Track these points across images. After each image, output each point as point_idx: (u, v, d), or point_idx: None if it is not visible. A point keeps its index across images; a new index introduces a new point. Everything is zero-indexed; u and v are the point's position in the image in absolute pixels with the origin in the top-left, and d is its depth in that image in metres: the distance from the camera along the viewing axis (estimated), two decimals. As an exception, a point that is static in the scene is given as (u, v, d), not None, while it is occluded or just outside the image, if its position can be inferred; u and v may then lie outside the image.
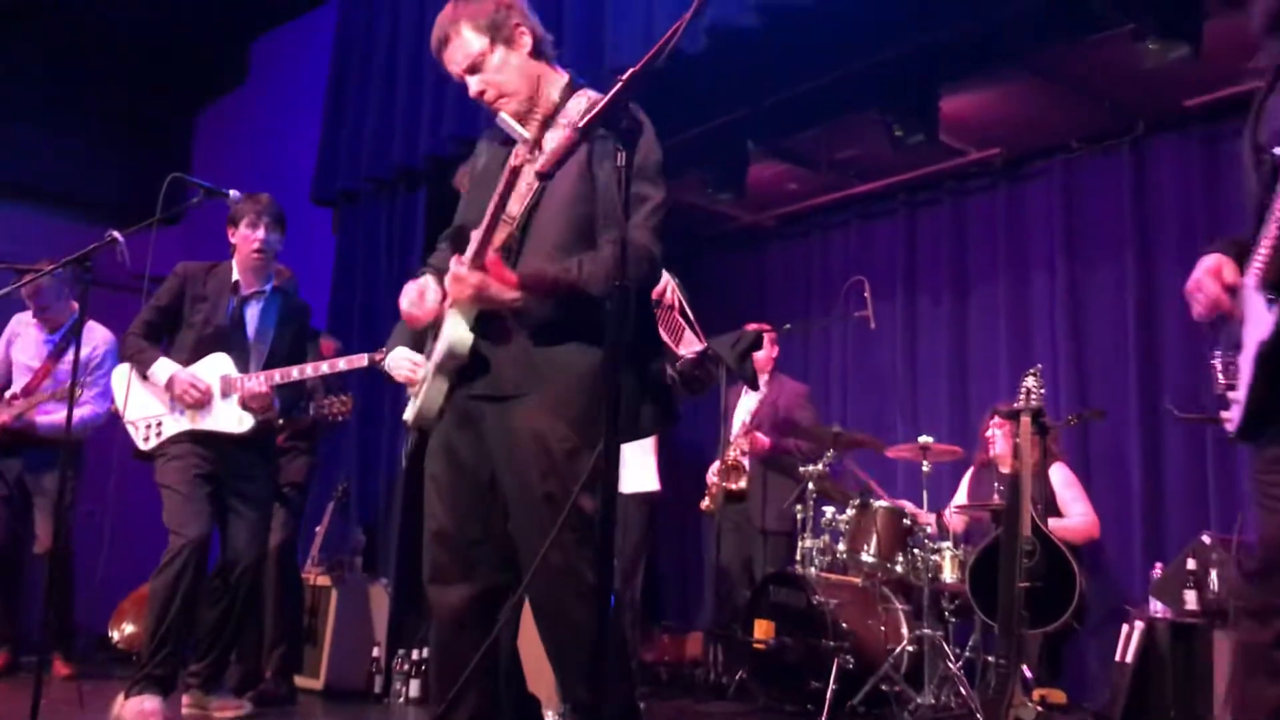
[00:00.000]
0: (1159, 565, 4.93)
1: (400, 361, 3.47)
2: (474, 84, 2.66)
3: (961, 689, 4.75)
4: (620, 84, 2.01)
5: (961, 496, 5.66)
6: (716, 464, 5.99)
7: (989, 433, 5.52)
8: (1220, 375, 2.22)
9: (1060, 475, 5.27)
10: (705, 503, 6.04)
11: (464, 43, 2.64)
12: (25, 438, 5.43)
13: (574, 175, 2.55)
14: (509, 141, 2.70)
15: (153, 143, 9.18)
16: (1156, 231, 5.84)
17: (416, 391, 2.72)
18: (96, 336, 5.58)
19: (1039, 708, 3.76)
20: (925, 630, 4.92)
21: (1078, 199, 6.15)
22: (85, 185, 8.84)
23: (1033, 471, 4.00)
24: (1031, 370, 4.19)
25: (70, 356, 4.95)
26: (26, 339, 5.68)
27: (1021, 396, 4.12)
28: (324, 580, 5.52)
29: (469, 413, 2.64)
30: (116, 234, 3.86)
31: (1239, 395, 2.13)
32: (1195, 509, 5.48)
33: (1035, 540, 3.97)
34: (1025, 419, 4.04)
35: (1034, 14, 4.69)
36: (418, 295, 2.66)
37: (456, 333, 2.55)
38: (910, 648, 4.95)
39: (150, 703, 3.93)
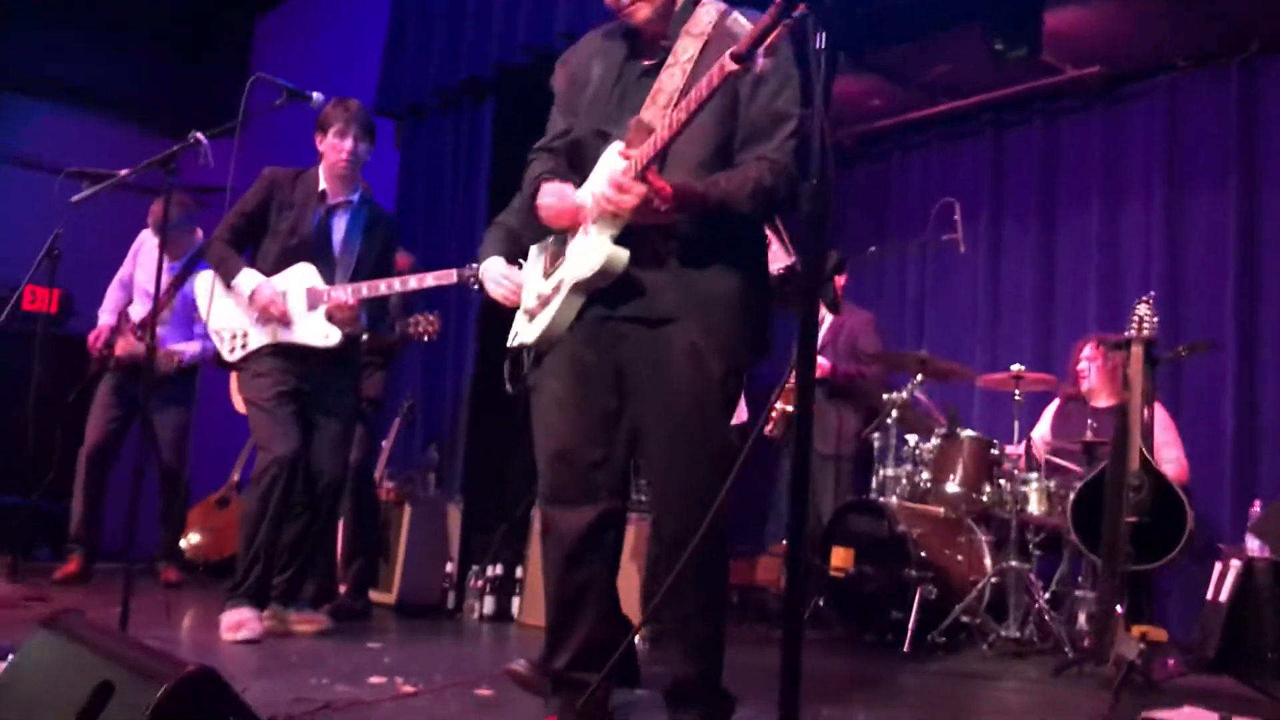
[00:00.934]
0: (1257, 503, 4.78)
1: (497, 277, 3.38)
2: None
3: (1050, 623, 4.66)
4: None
5: (1044, 429, 5.51)
6: (780, 389, 5.85)
7: (1081, 365, 5.35)
8: None
9: (1158, 417, 5.09)
10: (769, 428, 5.93)
11: None
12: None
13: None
14: (629, 48, 2.60)
15: (210, 48, 9.00)
16: (1265, 158, 5.59)
17: (535, 309, 2.62)
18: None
19: (1141, 644, 3.64)
20: (1011, 563, 4.82)
21: (1180, 122, 5.88)
22: (141, 92, 8.69)
23: (1143, 404, 3.84)
24: (1144, 298, 4.02)
25: (191, 286, 4.91)
26: (149, 261, 5.63)
27: (1134, 325, 3.95)
28: (396, 496, 5.47)
29: (607, 333, 2.54)
30: (200, 135, 3.73)
31: None
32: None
33: (1143, 475, 3.83)
34: (1137, 349, 3.87)
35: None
36: (563, 195, 2.55)
37: (608, 249, 2.43)
38: (994, 580, 4.86)
39: (247, 614, 3.91)
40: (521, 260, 3.42)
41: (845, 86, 6.22)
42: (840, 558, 5.04)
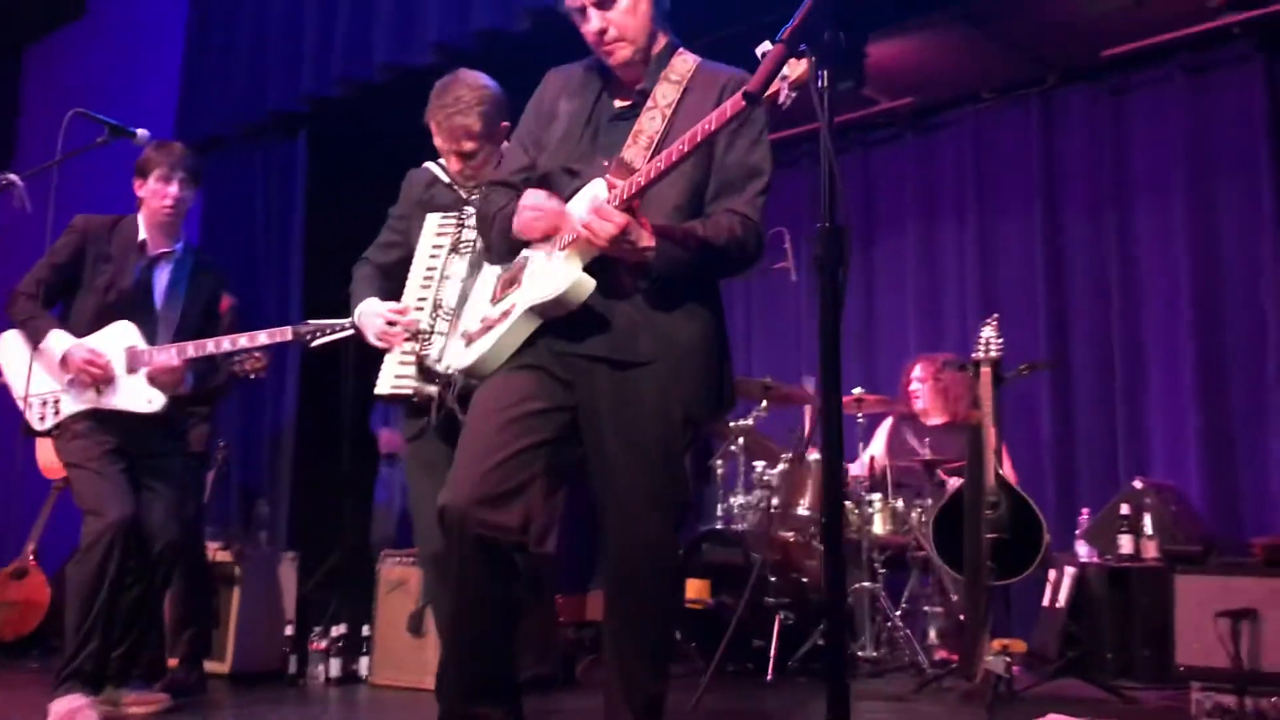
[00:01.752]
0: (1085, 511, 5.04)
1: (382, 314, 3.21)
2: (596, 19, 2.45)
3: (903, 640, 4.77)
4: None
5: (878, 448, 5.65)
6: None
7: (912, 385, 5.52)
8: None
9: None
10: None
11: None
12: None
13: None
14: (602, 88, 2.55)
15: (-31, 82, 8.31)
16: (1063, 183, 5.95)
17: (475, 334, 2.51)
18: None
19: (1006, 657, 3.76)
20: (865, 584, 4.91)
21: (987, 150, 6.19)
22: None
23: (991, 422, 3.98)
24: (989, 319, 4.17)
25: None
26: None
27: (980, 346, 4.10)
28: (224, 556, 5.12)
29: (563, 367, 2.43)
30: (13, 176, 3.40)
31: None
32: (1106, 458, 5.63)
33: (999, 491, 3.97)
34: (986, 369, 4.02)
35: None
36: (546, 200, 2.43)
37: (576, 274, 2.33)
38: (848, 601, 4.93)
39: (80, 700, 3.54)
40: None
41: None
42: (696, 589, 5.02)
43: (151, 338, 3.89)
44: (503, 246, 2.57)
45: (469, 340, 2.56)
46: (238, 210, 6.70)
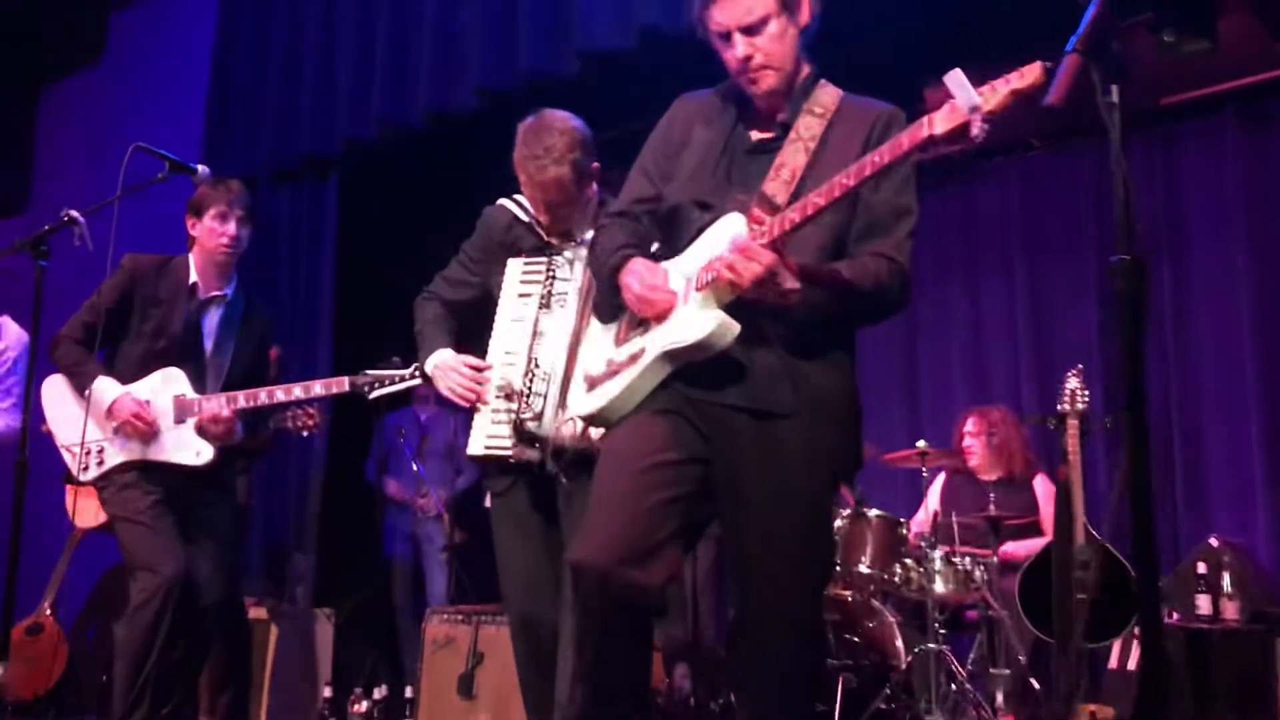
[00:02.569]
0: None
1: (456, 368, 3.04)
2: (742, 45, 2.31)
3: (980, 705, 4.57)
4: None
5: (933, 504, 5.48)
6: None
7: (966, 440, 5.36)
8: None
9: (1043, 488, 5.15)
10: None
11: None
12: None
13: (855, 161, 2.23)
14: (738, 117, 2.42)
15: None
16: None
17: (599, 378, 2.36)
18: (10, 335, 4.77)
19: (1101, 726, 3.59)
20: (930, 645, 4.72)
21: (1036, 198, 6.09)
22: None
23: (1078, 479, 3.83)
24: (1074, 370, 4.03)
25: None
26: None
27: (1066, 398, 3.95)
28: (258, 612, 4.90)
29: (700, 416, 2.28)
30: (75, 214, 3.24)
31: None
32: (1166, 516, 5.46)
33: (1089, 550, 3.81)
34: (1073, 422, 3.87)
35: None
36: (656, 281, 2.29)
37: (720, 317, 2.18)
38: (908, 661, 4.74)
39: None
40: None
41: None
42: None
43: (200, 386, 3.73)
44: (609, 302, 2.43)
45: (591, 385, 2.41)
46: (263, 255, 6.54)
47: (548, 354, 2.97)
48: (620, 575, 2.12)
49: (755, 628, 2.27)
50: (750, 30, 2.29)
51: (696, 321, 2.21)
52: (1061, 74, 1.76)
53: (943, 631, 4.90)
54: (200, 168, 3.59)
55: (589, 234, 3.03)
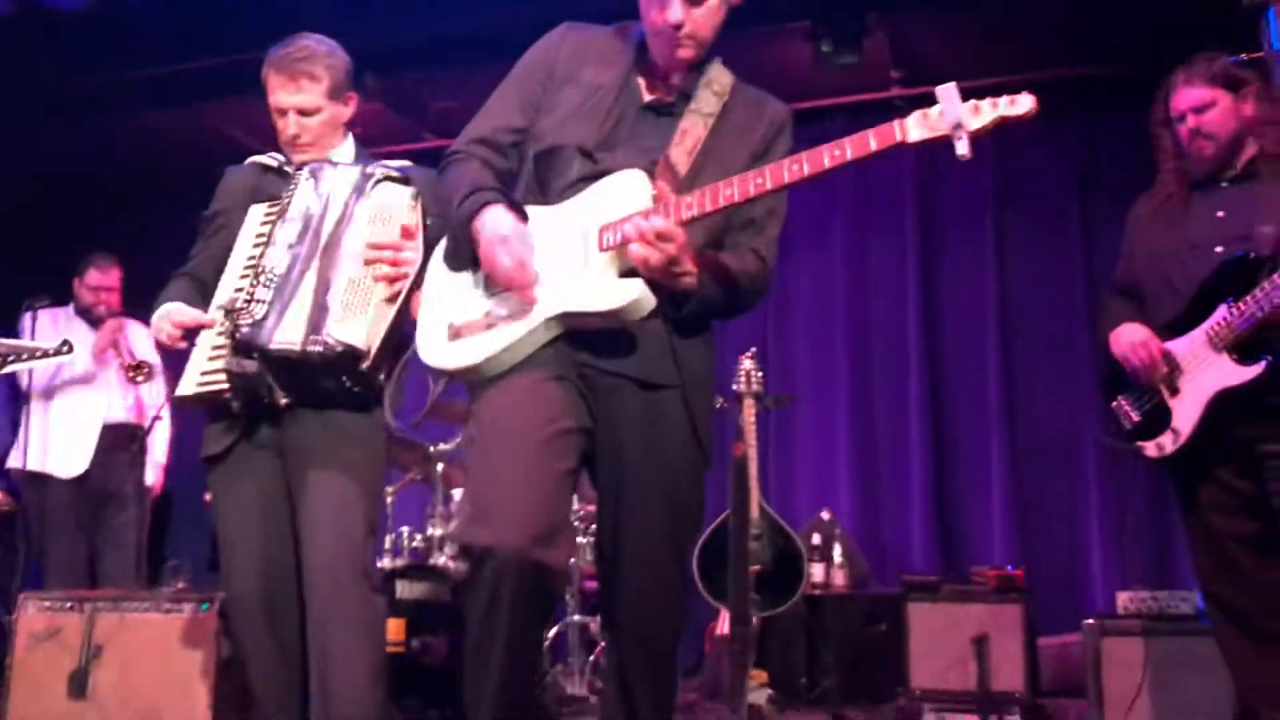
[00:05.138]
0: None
1: (164, 320, 2.67)
2: (678, 10, 2.16)
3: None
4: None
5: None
6: None
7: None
8: (1131, 417, 2.90)
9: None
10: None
11: None
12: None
13: (745, 155, 2.22)
14: (636, 72, 2.29)
15: None
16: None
17: (469, 327, 2.15)
18: None
19: (768, 689, 3.81)
20: (574, 617, 4.76)
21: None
22: None
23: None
24: (748, 353, 4.22)
25: None
26: None
27: (742, 379, 4.13)
28: None
29: (586, 380, 2.16)
30: None
31: (1182, 430, 2.76)
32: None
33: (762, 524, 4.02)
34: (750, 401, 4.06)
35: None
36: (528, 252, 2.12)
37: (640, 290, 2.05)
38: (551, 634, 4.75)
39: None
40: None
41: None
42: (392, 630, 4.58)
43: None
44: (464, 248, 2.21)
45: (457, 334, 2.17)
46: None
47: (279, 260, 2.65)
48: (534, 557, 1.97)
49: (627, 601, 2.20)
50: (695, 0, 2.19)
51: (611, 289, 2.09)
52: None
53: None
54: None
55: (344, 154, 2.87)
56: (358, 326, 2.55)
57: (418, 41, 5.29)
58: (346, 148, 2.91)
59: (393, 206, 2.65)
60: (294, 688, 2.69)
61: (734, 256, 2.25)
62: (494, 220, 2.13)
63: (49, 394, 4.92)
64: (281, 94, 2.77)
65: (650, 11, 2.21)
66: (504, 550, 1.96)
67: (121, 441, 4.97)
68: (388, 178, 2.70)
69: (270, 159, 2.88)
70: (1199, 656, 3.27)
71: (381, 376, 2.61)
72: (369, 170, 2.72)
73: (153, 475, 5.12)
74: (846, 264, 6.03)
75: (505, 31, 4.72)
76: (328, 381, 2.58)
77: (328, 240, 2.64)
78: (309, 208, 2.69)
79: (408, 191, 2.68)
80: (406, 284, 2.55)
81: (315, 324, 2.54)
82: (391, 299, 2.57)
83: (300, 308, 2.58)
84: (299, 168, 2.77)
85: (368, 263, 2.59)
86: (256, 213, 2.79)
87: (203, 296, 2.78)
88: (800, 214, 6.08)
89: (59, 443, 4.89)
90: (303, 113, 2.77)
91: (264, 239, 2.71)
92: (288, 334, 2.55)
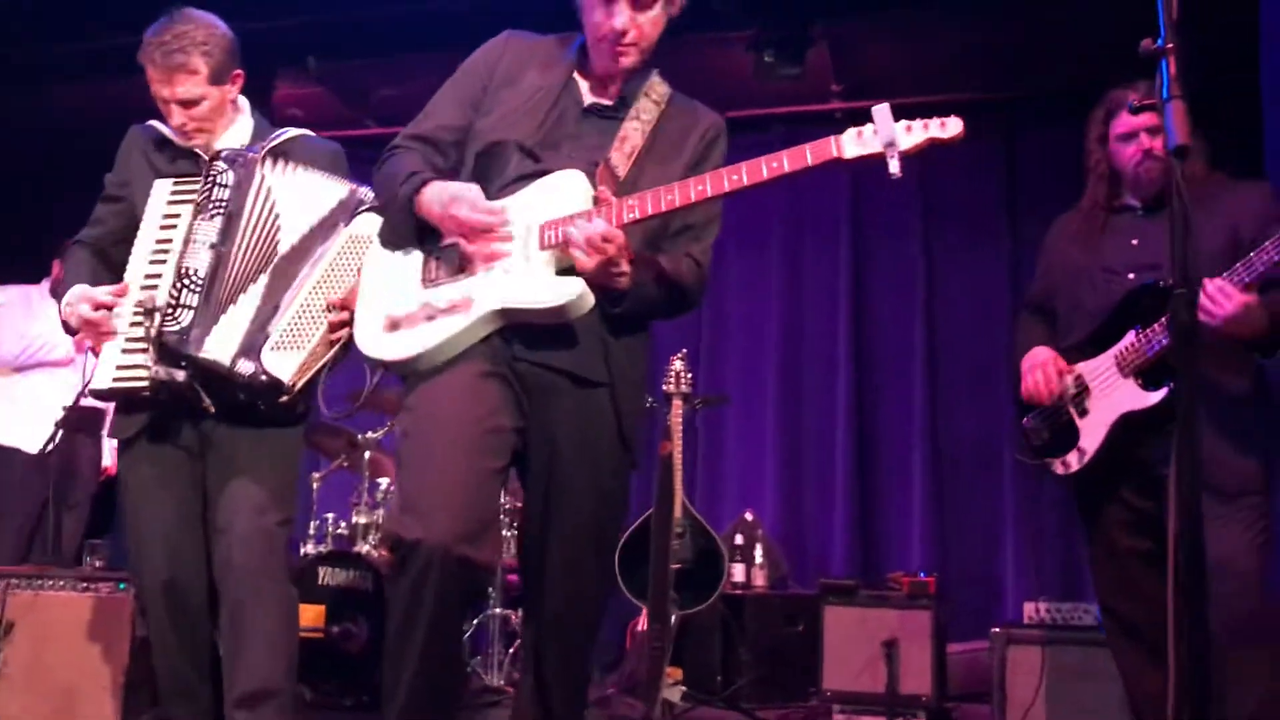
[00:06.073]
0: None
1: (79, 304, 2.63)
2: (623, 17, 2.22)
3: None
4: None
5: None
6: None
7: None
8: (1041, 434, 2.98)
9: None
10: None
11: None
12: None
13: (680, 164, 2.28)
14: (576, 75, 2.34)
15: None
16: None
17: (408, 319, 2.18)
18: None
19: (681, 686, 3.87)
20: (496, 610, 4.78)
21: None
22: None
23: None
24: (679, 354, 4.28)
25: None
26: None
27: (672, 379, 4.18)
28: None
29: (521, 376, 2.19)
30: None
31: (1088, 449, 2.84)
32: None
33: (684, 522, 4.08)
34: (678, 401, 4.11)
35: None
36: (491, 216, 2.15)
37: (580, 288, 2.11)
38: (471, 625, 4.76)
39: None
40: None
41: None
42: (310, 616, 4.57)
43: None
44: (406, 230, 2.25)
45: (394, 326, 2.19)
46: None
47: (200, 261, 2.63)
48: (461, 553, 2.01)
49: (553, 598, 2.24)
50: (640, 6, 2.24)
51: (552, 286, 2.13)
52: (1177, 120, 1.75)
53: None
54: None
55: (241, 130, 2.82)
56: (290, 361, 2.56)
57: (360, 24, 5.25)
58: (243, 123, 2.85)
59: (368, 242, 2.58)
60: (198, 679, 2.69)
61: (671, 260, 2.30)
62: (438, 188, 2.19)
63: (21, 369, 4.96)
64: (161, 88, 2.71)
65: (594, 16, 2.25)
66: (431, 544, 2.00)
67: (86, 424, 4.93)
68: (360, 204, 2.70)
69: (176, 137, 2.80)
70: (1097, 667, 3.38)
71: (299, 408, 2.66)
72: (349, 195, 2.71)
73: (109, 457, 5.08)
74: (780, 270, 6.13)
75: (448, 17, 4.81)
76: (244, 396, 2.61)
77: (281, 260, 2.65)
78: (236, 205, 2.66)
79: None
80: (349, 335, 2.53)
81: (250, 345, 2.56)
82: (332, 344, 2.59)
83: (235, 323, 2.58)
84: (215, 158, 2.72)
85: (329, 306, 2.59)
86: (162, 189, 2.75)
87: (108, 268, 2.75)
88: (736, 220, 6.15)
89: (25, 417, 4.87)
90: (186, 104, 2.72)
91: (175, 226, 2.69)
92: (216, 348, 2.55)
